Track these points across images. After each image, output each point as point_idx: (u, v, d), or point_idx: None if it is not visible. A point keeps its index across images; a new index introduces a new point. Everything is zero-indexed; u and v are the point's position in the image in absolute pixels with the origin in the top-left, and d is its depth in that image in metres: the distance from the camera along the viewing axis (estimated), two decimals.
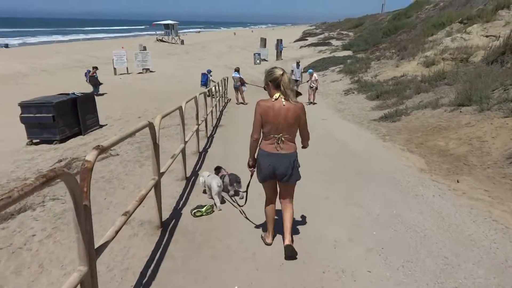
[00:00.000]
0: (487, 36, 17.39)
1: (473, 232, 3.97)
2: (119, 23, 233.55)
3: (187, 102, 6.28)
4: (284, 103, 3.25)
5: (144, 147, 7.76)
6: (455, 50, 16.97)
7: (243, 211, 4.63)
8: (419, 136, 8.66)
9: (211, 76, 18.61)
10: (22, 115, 10.26)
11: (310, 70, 15.35)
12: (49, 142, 10.55)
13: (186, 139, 5.95)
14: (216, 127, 11.03)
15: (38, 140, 10.69)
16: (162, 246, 3.71)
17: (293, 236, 3.86)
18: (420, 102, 12.45)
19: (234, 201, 5.07)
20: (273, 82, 3.31)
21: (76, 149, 9.52)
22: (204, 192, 5.26)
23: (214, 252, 3.66)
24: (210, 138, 9.05)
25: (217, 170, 5.55)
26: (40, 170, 7.49)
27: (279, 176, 3.44)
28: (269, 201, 3.71)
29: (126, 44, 43.50)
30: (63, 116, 10.60)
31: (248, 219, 4.43)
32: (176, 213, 4.57)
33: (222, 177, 5.20)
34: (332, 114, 13.31)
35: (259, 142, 3.47)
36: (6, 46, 50.62)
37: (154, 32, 69.82)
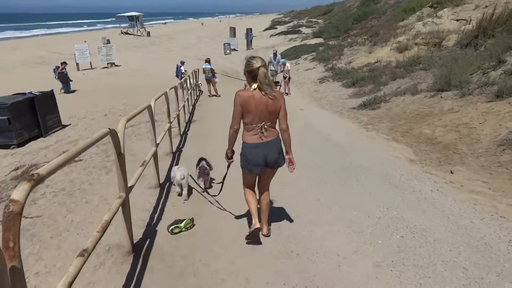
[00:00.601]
0: (457, 20, 17.40)
1: (485, 234, 3.59)
2: (83, 16, 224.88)
3: (156, 99, 5.61)
4: (263, 93, 3.24)
5: (111, 149, 7.03)
6: (427, 34, 16.87)
7: (216, 201, 4.63)
8: (402, 124, 8.34)
9: (182, 66, 17.83)
10: None
11: (282, 60, 14.74)
12: (6, 147, 9.58)
13: (158, 141, 5.30)
14: (189, 122, 10.37)
15: None
16: (135, 278, 3.06)
17: (292, 251, 3.53)
18: (398, 88, 12.21)
19: (205, 192, 5.03)
20: (249, 73, 3.29)
21: (36, 154, 8.67)
22: (179, 195, 4.91)
23: (199, 282, 3.07)
24: (184, 136, 8.39)
25: (199, 161, 5.33)
26: None
27: (270, 164, 3.45)
28: (250, 188, 3.75)
29: (90, 38, 41.47)
30: (20, 118, 9.64)
31: (223, 208, 4.46)
32: (150, 231, 3.92)
33: (197, 168, 5.19)
34: (309, 104, 12.89)
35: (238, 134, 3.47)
36: None
37: (118, 25, 67.23)
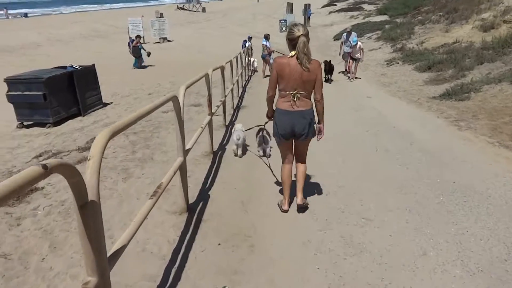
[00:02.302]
0: None
1: None
2: None
3: (214, 70, 5.52)
4: (299, 61, 3.21)
5: (142, 140, 5.91)
6: None
7: (269, 166, 4.80)
8: (508, 123, 6.46)
9: (249, 42, 16.39)
10: (9, 93, 8.63)
11: (355, 39, 12.61)
12: (43, 125, 8.90)
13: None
14: (237, 108, 9.06)
15: (31, 122, 9.06)
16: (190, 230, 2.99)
17: None
18: (489, 75, 10.08)
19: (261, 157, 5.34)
20: (290, 41, 3.25)
21: (69, 136, 7.82)
22: (235, 154, 5.49)
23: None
24: (227, 129, 7.09)
25: (259, 131, 5.33)
26: (14, 166, 5.81)
27: (297, 134, 3.44)
28: (286, 162, 3.73)
29: (146, 13, 41.30)
30: (56, 94, 8.88)
31: (274, 176, 4.51)
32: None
33: (257, 137, 5.36)
34: (377, 90, 11.08)
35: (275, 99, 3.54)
36: (26, 15, 49.51)
37: (175, 1, 67.02)
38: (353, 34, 13.08)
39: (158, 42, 25.11)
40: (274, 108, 3.54)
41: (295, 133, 3.43)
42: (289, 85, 3.28)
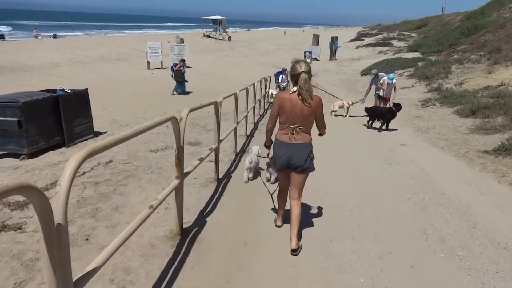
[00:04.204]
0: None
1: None
2: (173, 19, 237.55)
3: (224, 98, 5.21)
4: (300, 98, 3.29)
5: (96, 198, 4.36)
6: None
7: (270, 194, 4.45)
8: None
9: (284, 76, 14.76)
10: None
11: (391, 75, 10.85)
12: (17, 156, 7.60)
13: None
14: (241, 153, 7.37)
15: (4, 152, 7.78)
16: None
17: None
18: None
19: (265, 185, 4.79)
20: (292, 77, 3.37)
21: (38, 172, 6.46)
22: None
23: None
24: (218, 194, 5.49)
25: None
26: None
27: (293, 166, 3.46)
28: (282, 189, 3.85)
29: (173, 39, 41.25)
30: (36, 121, 7.61)
31: (273, 200, 4.36)
32: None
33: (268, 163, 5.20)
34: (413, 136, 9.40)
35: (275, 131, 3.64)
36: (54, 36, 50.47)
37: (201, 30, 67.72)
38: (381, 74, 11.51)
39: None
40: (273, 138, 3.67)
41: (290, 165, 3.46)
42: (289, 120, 3.36)
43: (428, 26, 52.50)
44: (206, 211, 3.96)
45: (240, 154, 6.62)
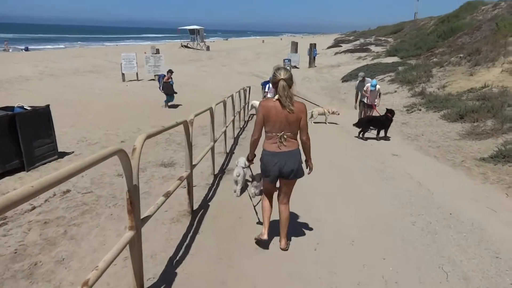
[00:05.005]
0: None
1: None
2: (149, 30, 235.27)
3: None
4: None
5: (39, 246, 3.53)
6: None
7: (254, 208, 4.27)
8: None
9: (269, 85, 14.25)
10: None
11: (374, 82, 10.44)
12: None
13: None
14: (220, 174, 6.31)
15: None
16: None
17: None
18: None
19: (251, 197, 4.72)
20: (273, 84, 3.38)
21: None
22: (234, 191, 5.13)
23: None
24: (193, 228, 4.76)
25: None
26: None
27: (285, 174, 3.41)
28: (268, 195, 3.73)
29: (150, 50, 40.27)
30: None
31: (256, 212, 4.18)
32: None
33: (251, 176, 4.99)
34: (403, 144, 8.91)
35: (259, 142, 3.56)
36: (26, 49, 48.75)
37: (179, 40, 66.87)
38: (367, 79, 11.06)
39: (153, 79, 23.38)
40: (255, 153, 3.64)
41: (282, 174, 3.41)
42: (276, 127, 3.34)
43: (404, 31, 53.09)
44: (177, 258, 3.17)
45: (219, 176, 5.86)
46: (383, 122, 9.41)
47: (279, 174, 3.42)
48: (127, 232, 2.26)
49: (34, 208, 4.24)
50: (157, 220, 3.86)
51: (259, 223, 4.10)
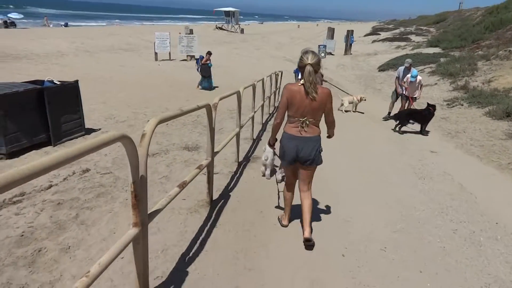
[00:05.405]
0: None
1: None
2: (186, 11, 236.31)
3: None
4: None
5: (38, 241, 3.38)
6: None
7: (278, 194, 4.22)
8: None
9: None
10: None
11: (415, 72, 9.69)
12: None
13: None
14: (245, 161, 6.10)
15: None
16: None
17: None
18: None
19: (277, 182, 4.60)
20: (300, 69, 3.26)
21: None
22: (263, 174, 5.13)
23: None
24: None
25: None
26: None
27: (302, 159, 3.36)
28: (289, 185, 3.70)
29: (183, 30, 40.23)
30: (17, 117, 6.73)
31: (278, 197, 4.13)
32: None
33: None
34: (442, 141, 8.31)
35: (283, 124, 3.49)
36: (66, 25, 49.82)
37: (215, 22, 66.56)
38: (413, 69, 10.27)
39: (185, 60, 23.28)
40: (277, 137, 3.56)
41: (299, 158, 3.36)
42: (299, 112, 3.25)
43: (447, 21, 50.63)
44: (190, 254, 2.91)
45: (243, 163, 5.59)
46: (426, 117, 8.82)
47: (296, 159, 3.35)
48: (130, 229, 2.00)
49: (51, 186, 4.12)
50: (173, 210, 3.63)
51: (279, 207, 4.10)
